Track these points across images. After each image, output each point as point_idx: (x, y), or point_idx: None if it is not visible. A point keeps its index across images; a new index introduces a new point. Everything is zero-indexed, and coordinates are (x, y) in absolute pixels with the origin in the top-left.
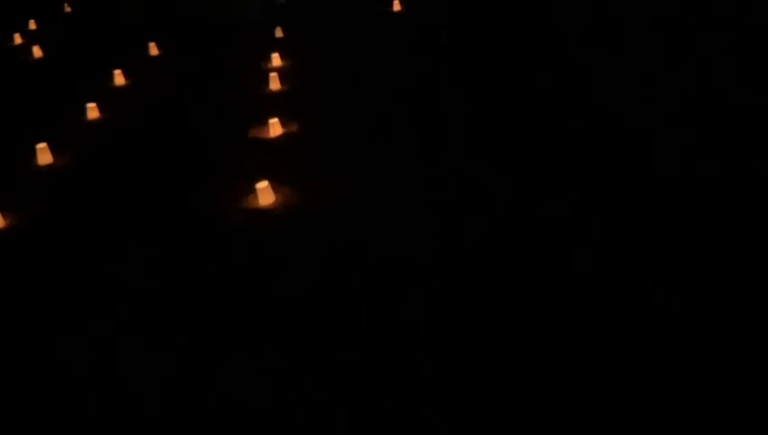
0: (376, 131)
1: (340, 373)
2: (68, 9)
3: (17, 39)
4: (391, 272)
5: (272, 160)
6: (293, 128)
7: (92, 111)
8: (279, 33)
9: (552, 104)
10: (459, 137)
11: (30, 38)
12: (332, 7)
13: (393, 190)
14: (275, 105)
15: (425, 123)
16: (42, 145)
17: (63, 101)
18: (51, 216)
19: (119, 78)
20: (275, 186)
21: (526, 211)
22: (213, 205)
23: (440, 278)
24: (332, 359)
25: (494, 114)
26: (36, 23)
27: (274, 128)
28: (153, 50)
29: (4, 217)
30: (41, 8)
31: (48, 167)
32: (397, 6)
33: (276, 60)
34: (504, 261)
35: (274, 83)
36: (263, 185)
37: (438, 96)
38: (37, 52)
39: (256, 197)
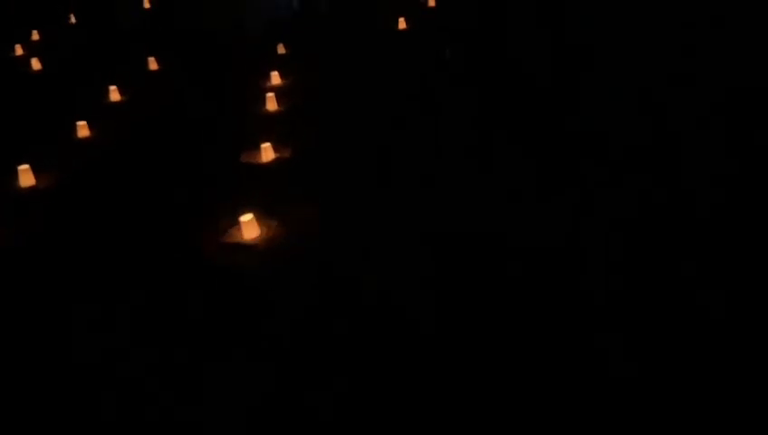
0: (371, 160)
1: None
2: (73, 20)
3: (18, 50)
4: (381, 317)
5: (261, 188)
6: (286, 153)
7: (82, 130)
8: (281, 49)
9: (552, 115)
10: (458, 164)
11: (31, 49)
12: (337, 23)
13: (386, 225)
14: (270, 127)
15: (423, 150)
16: (24, 166)
17: (54, 118)
18: (29, 243)
19: (114, 94)
20: (261, 217)
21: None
22: (197, 237)
23: (434, 324)
24: (306, 403)
25: (496, 136)
26: (39, 33)
27: (266, 152)
28: (153, 64)
29: None
30: (46, 19)
31: (30, 189)
32: (402, 24)
33: (275, 78)
34: (507, 292)
35: (271, 103)
36: (247, 218)
37: (438, 121)
38: (36, 64)
39: (240, 230)
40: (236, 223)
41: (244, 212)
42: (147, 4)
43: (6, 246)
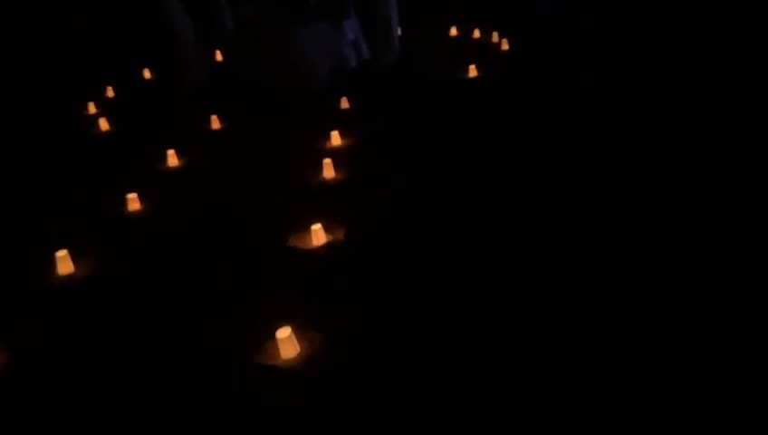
0: (442, 249)
1: None
2: (148, 76)
3: (91, 108)
4: None
5: (305, 283)
6: (339, 234)
7: (133, 203)
8: (345, 103)
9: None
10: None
11: (104, 107)
12: (405, 71)
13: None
14: (325, 200)
15: (501, 248)
16: (62, 253)
17: (105, 188)
18: (52, 347)
19: (171, 159)
20: (303, 328)
21: None
22: (226, 354)
23: None
24: None
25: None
26: (114, 90)
27: (317, 236)
28: (215, 123)
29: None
30: (121, 73)
31: (68, 277)
32: (473, 72)
33: (336, 139)
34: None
35: (328, 171)
36: (284, 333)
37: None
38: (104, 124)
39: (276, 347)
40: (272, 338)
41: (281, 322)
42: (219, 57)
43: (31, 348)
